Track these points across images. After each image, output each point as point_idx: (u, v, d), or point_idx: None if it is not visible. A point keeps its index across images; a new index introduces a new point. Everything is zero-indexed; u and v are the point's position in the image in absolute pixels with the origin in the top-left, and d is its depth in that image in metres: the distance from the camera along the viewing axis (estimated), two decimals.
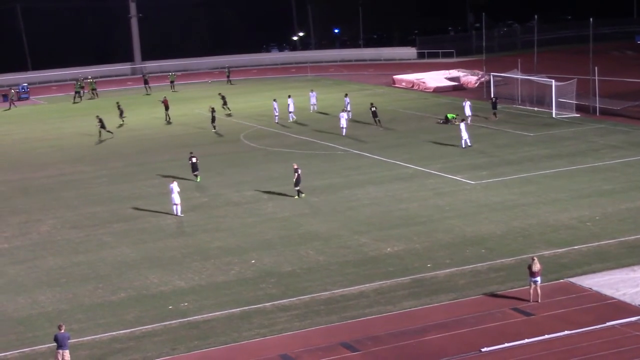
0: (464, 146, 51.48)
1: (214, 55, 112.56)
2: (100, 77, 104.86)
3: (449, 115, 60.95)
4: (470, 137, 51.82)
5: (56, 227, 39.63)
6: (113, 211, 41.80)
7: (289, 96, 67.51)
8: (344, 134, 57.71)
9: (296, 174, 42.15)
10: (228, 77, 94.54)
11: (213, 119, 62.42)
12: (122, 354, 25.73)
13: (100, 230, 38.82)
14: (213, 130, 62.24)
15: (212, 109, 63.05)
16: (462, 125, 52.11)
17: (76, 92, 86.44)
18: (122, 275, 32.66)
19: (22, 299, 30.68)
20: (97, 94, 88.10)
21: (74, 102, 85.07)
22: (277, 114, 65.35)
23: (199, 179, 47.16)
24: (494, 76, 69.20)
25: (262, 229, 37.57)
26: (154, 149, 58.07)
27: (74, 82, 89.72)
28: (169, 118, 68.98)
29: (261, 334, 26.61)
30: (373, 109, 61.43)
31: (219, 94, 73.31)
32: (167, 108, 69.39)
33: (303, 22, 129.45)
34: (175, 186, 40.22)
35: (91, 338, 26.94)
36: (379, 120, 60.82)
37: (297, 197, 42.08)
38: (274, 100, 66.93)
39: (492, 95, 65.04)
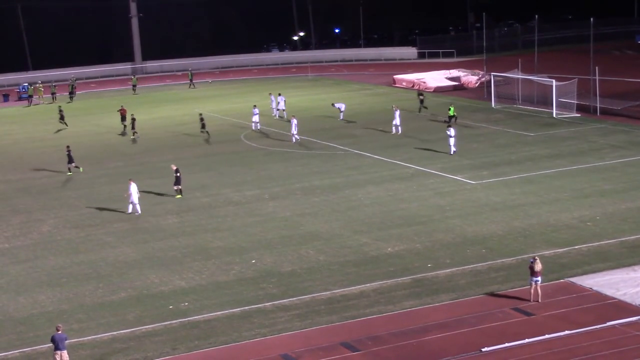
0: (452, 153, 50.01)
1: (215, 55, 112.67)
2: (101, 76, 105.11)
3: (450, 111, 60.64)
4: (456, 144, 50.41)
5: (57, 227, 39.64)
6: (114, 211, 41.80)
7: (279, 94, 68.00)
8: (293, 141, 56.34)
9: (176, 175, 43.27)
10: (191, 80, 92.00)
11: (133, 125, 61.74)
12: (122, 354, 25.75)
13: (101, 230, 38.84)
14: (132, 137, 61.45)
15: (132, 117, 62.59)
16: (452, 131, 50.45)
17: (29, 96, 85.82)
18: (122, 275, 32.67)
19: (23, 299, 30.70)
20: (55, 97, 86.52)
21: (27, 105, 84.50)
22: (276, 107, 65.95)
23: (73, 171, 49.86)
24: (494, 76, 69.23)
25: (263, 228, 37.59)
26: (155, 148, 58.08)
27: (28, 85, 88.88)
28: (125, 129, 63.94)
29: (262, 334, 26.62)
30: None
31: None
32: (123, 118, 64.36)
33: (303, 22, 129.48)
34: (133, 185, 40.55)
35: (92, 338, 26.96)
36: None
37: (179, 195, 43.44)
38: (279, 94, 67.70)
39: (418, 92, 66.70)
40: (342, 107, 64.71)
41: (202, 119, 60.78)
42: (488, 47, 79.86)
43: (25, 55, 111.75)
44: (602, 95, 62.73)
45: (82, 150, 58.78)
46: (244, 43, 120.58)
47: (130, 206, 40.78)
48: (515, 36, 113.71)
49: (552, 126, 58.11)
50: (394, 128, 57.61)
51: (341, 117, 64.31)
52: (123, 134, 63.53)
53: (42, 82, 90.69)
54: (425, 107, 65.65)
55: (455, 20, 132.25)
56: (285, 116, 65.64)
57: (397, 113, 58.08)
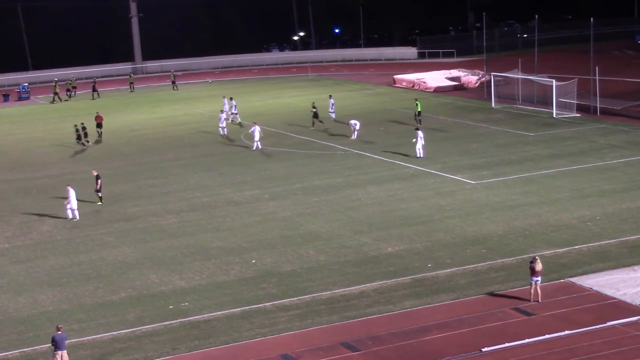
0: (418, 155, 49.25)
1: (214, 55, 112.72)
2: (101, 76, 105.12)
3: (419, 107, 60.54)
4: (424, 147, 49.80)
5: (57, 227, 39.64)
6: (114, 211, 41.82)
7: (231, 98, 67.86)
8: (254, 148, 54.62)
9: (98, 181, 43.03)
10: (173, 82, 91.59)
11: (85, 135, 59.58)
12: (122, 354, 25.74)
13: (101, 229, 38.84)
14: (84, 146, 59.39)
15: (82, 126, 59.97)
16: (420, 134, 49.75)
17: (55, 94, 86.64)
18: (122, 275, 32.67)
19: (23, 299, 30.70)
20: (59, 98, 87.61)
21: (52, 102, 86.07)
22: (234, 112, 65.14)
23: None
24: (494, 76, 69.24)
25: (263, 228, 37.58)
26: (156, 148, 58.10)
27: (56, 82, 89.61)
28: (101, 136, 62.07)
29: (262, 334, 26.61)
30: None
31: None
32: (99, 125, 62.30)
33: (303, 22, 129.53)
34: (72, 191, 40.34)
35: (92, 338, 26.95)
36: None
37: (100, 202, 42.92)
38: (231, 98, 67.38)
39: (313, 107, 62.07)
40: (332, 107, 64.70)
41: (84, 128, 59.01)
42: (488, 47, 79.88)
43: (25, 55, 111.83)
44: (602, 95, 62.72)
45: (83, 150, 58.81)
46: (244, 43, 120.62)
47: (70, 212, 40.46)
48: (515, 36, 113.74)
49: (552, 126, 58.10)
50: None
51: (333, 117, 64.18)
52: (98, 141, 61.60)
53: (57, 80, 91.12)
54: (321, 122, 61.37)
55: (455, 20, 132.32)
56: (239, 119, 65.57)
57: (354, 123, 56.11)
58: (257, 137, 54.70)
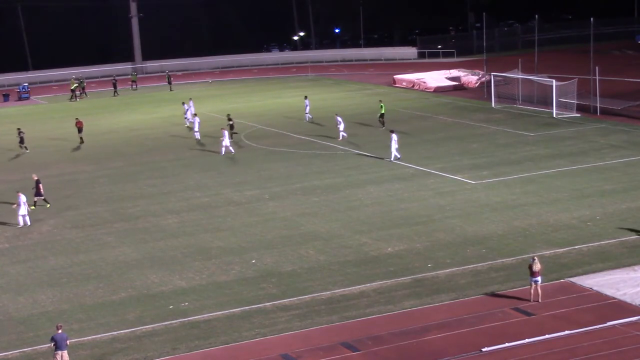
0: (392, 159, 48.80)
1: (214, 55, 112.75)
2: (101, 76, 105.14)
3: (383, 109, 60.43)
4: (398, 149, 49.50)
5: (57, 227, 39.64)
6: (114, 211, 41.83)
7: (183, 102, 67.46)
8: (222, 153, 53.46)
9: (39, 185, 42.71)
10: (169, 83, 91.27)
11: (21, 140, 58.91)
12: (122, 354, 25.74)
13: (101, 229, 38.85)
14: (27, 151, 58.89)
15: (20, 131, 59.66)
16: (394, 137, 49.44)
17: (72, 91, 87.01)
18: (123, 275, 32.67)
19: (23, 299, 30.70)
20: (82, 95, 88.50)
21: (70, 100, 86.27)
22: (191, 118, 62.11)
23: None
24: (494, 76, 69.24)
25: (263, 228, 37.58)
26: (156, 148, 58.09)
27: (77, 80, 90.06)
28: (82, 141, 60.97)
29: (262, 334, 26.61)
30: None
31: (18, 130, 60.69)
32: (80, 130, 61.33)
33: (304, 22, 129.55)
34: (22, 197, 40.05)
35: (92, 338, 26.95)
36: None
37: (33, 207, 42.21)
38: (183, 102, 66.38)
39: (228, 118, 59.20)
40: (307, 108, 64.65)
41: (20, 133, 58.70)
42: (488, 47, 79.87)
43: (25, 55, 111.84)
44: (602, 95, 62.73)
45: (82, 150, 58.87)
46: (244, 43, 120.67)
47: (21, 218, 40.13)
48: (515, 36, 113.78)
49: (552, 126, 58.10)
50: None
51: (308, 118, 64.10)
52: (78, 147, 60.63)
53: (75, 78, 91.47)
54: (236, 133, 59.29)
55: (455, 20, 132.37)
56: (188, 123, 64.09)
57: (343, 123, 55.74)
58: (226, 142, 53.84)
